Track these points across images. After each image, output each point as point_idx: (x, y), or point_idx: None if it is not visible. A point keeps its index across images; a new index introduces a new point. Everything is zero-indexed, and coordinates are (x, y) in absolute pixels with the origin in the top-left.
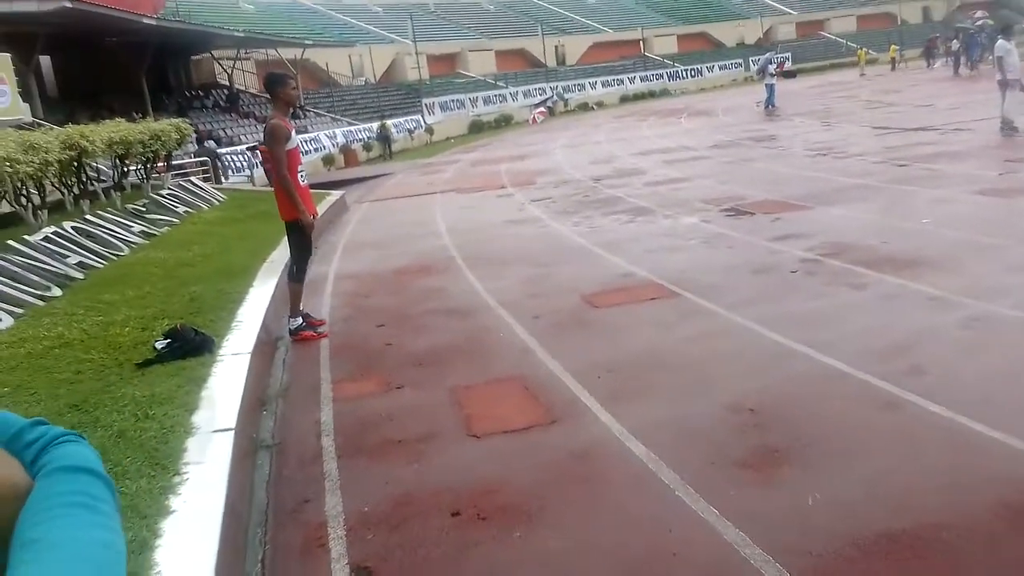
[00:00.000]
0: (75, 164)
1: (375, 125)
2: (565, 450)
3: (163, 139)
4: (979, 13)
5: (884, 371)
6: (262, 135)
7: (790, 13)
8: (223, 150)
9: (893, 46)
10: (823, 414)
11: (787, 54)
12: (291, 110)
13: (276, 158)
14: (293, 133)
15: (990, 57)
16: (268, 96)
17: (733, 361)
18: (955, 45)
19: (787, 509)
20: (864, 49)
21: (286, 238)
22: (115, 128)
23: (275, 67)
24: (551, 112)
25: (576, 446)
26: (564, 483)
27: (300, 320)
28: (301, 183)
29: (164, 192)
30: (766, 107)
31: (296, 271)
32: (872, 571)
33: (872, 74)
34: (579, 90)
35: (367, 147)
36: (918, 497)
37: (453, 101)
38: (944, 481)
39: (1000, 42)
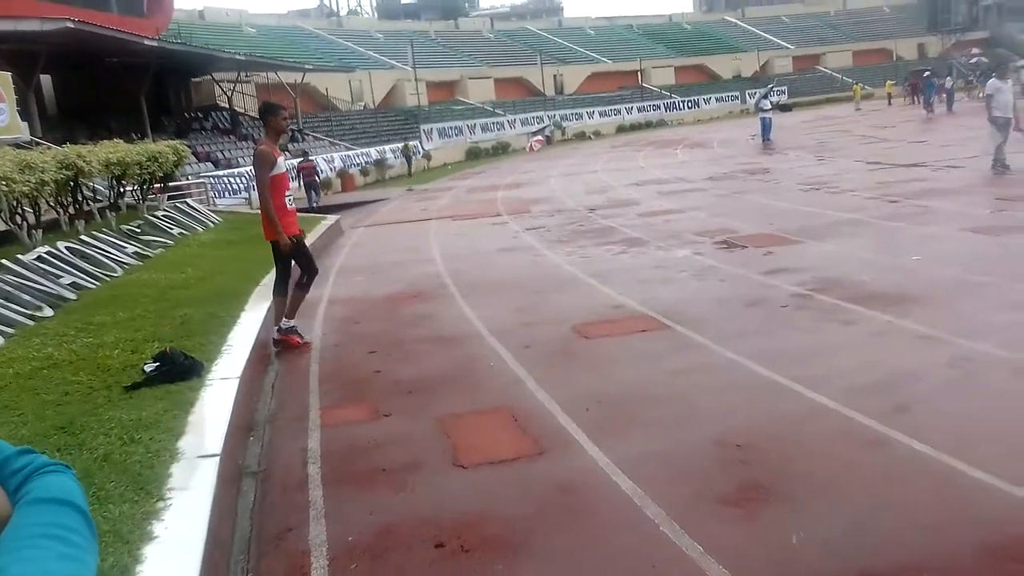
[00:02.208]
0: (71, 184)
1: (399, 145)
2: (551, 482)
3: (160, 161)
4: (974, 50)
5: (870, 408)
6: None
7: (787, 47)
8: (222, 172)
9: (889, 81)
10: (809, 450)
11: (783, 87)
12: (279, 138)
13: (260, 182)
14: (280, 160)
15: (980, 95)
16: (261, 122)
17: (721, 395)
18: (949, 82)
19: (771, 547)
20: (859, 84)
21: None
22: (113, 149)
23: (275, 90)
24: (548, 141)
25: (562, 479)
26: (549, 516)
27: (290, 323)
28: (288, 207)
29: (159, 213)
30: (763, 140)
31: (278, 286)
32: None
33: (867, 109)
34: (576, 119)
35: (364, 172)
36: (900, 537)
37: (451, 128)
38: (927, 521)
39: (991, 80)
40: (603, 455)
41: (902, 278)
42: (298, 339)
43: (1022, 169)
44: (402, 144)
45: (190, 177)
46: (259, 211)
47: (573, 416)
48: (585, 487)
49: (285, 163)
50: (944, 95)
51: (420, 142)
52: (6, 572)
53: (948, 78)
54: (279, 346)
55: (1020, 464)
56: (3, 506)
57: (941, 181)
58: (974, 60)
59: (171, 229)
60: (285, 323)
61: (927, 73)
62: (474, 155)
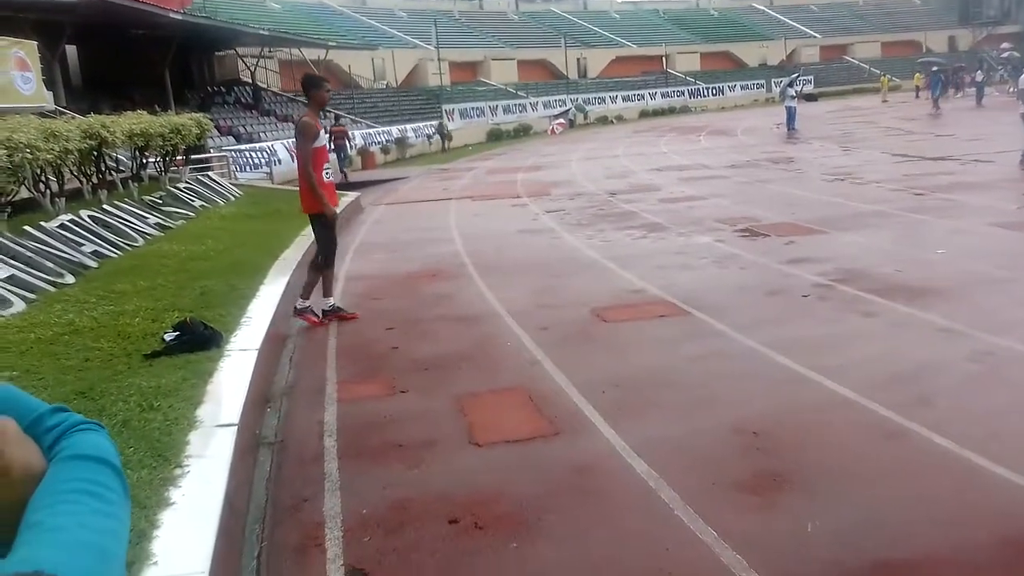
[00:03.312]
0: (95, 154)
1: (434, 123)
2: (566, 463)
3: (183, 133)
4: (1005, 44)
5: (890, 400)
6: (294, 132)
7: (814, 36)
8: (244, 146)
9: (917, 74)
10: (827, 440)
11: (809, 77)
12: (321, 111)
13: (303, 154)
14: (322, 133)
15: (1011, 89)
16: (304, 95)
17: (739, 383)
18: (979, 76)
19: (786, 534)
20: (887, 75)
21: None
22: (136, 120)
23: (299, 67)
24: (571, 124)
25: (578, 460)
26: (563, 496)
27: (308, 303)
28: (325, 179)
29: (181, 185)
30: (788, 129)
31: (323, 260)
32: None
33: (894, 101)
34: (599, 103)
35: (385, 150)
36: (917, 529)
37: (473, 108)
38: (945, 514)
39: None
40: (619, 438)
41: (926, 271)
42: (314, 318)
43: None
44: (437, 122)
45: (212, 150)
46: (281, 186)
47: (589, 398)
48: (600, 469)
49: (325, 137)
50: (974, 88)
51: (442, 122)
52: (43, 526)
53: (978, 71)
54: (328, 317)
55: None
56: (38, 462)
57: (968, 175)
58: (1005, 54)
59: (192, 201)
60: (301, 303)
61: (935, 68)
62: (495, 137)
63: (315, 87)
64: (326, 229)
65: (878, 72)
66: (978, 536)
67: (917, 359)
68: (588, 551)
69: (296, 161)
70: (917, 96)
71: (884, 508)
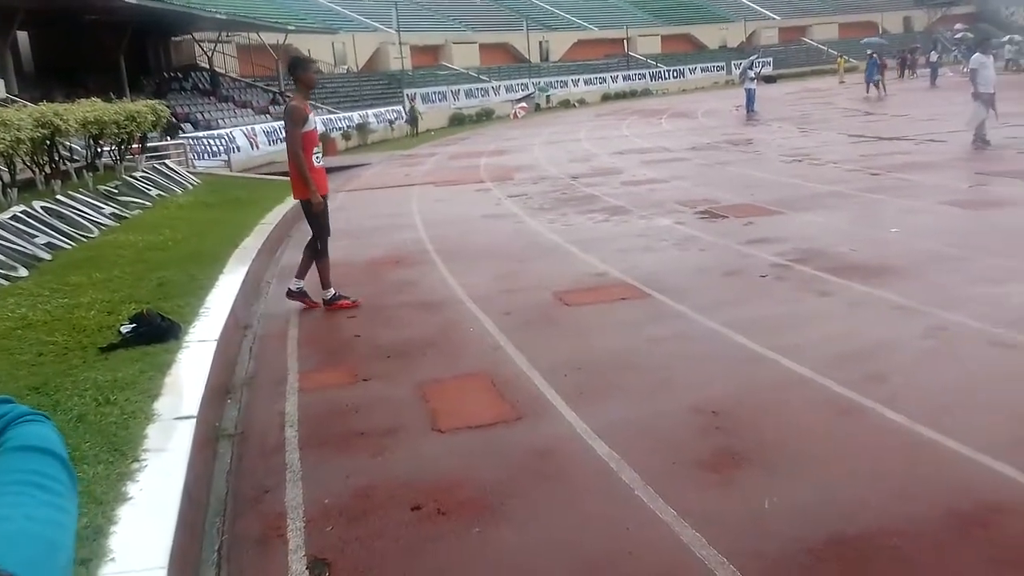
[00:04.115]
0: (47, 143)
1: (406, 107)
2: (529, 447)
3: (138, 121)
4: (959, 25)
5: (846, 378)
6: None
7: (773, 18)
8: (202, 134)
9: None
10: (784, 418)
11: (768, 59)
12: (310, 93)
13: (292, 138)
14: (311, 116)
15: (965, 70)
16: (291, 77)
17: (699, 363)
18: (933, 56)
19: (744, 512)
20: (844, 57)
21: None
22: (90, 108)
23: (257, 51)
24: (537, 107)
25: (540, 443)
26: (526, 480)
27: (333, 291)
28: (316, 164)
29: (138, 174)
30: (747, 111)
31: (320, 247)
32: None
33: (851, 82)
34: (562, 87)
35: (346, 136)
36: (871, 503)
37: (435, 93)
38: (898, 488)
39: (976, 55)
40: (580, 421)
41: (881, 250)
42: (347, 302)
43: (1001, 144)
44: (408, 106)
45: (169, 138)
46: (240, 173)
47: (551, 382)
48: (562, 452)
49: (314, 120)
50: (929, 69)
51: (403, 107)
52: None
53: (933, 52)
54: (293, 298)
55: (990, 433)
56: None
57: (922, 155)
58: (959, 35)
59: (149, 190)
60: (326, 293)
61: (870, 52)
62: (458, 121)
63: (302, 69)
64: (313, 216)
65: (835, 54)
66: (930, 508)
67: (872, 336)
68: (550, 534)
69: (287, 145)
70: None
71: (839, 483)
